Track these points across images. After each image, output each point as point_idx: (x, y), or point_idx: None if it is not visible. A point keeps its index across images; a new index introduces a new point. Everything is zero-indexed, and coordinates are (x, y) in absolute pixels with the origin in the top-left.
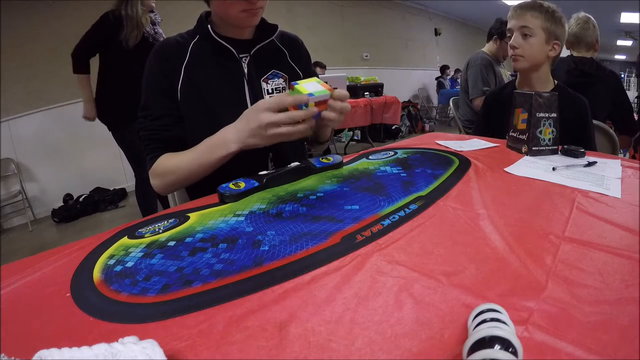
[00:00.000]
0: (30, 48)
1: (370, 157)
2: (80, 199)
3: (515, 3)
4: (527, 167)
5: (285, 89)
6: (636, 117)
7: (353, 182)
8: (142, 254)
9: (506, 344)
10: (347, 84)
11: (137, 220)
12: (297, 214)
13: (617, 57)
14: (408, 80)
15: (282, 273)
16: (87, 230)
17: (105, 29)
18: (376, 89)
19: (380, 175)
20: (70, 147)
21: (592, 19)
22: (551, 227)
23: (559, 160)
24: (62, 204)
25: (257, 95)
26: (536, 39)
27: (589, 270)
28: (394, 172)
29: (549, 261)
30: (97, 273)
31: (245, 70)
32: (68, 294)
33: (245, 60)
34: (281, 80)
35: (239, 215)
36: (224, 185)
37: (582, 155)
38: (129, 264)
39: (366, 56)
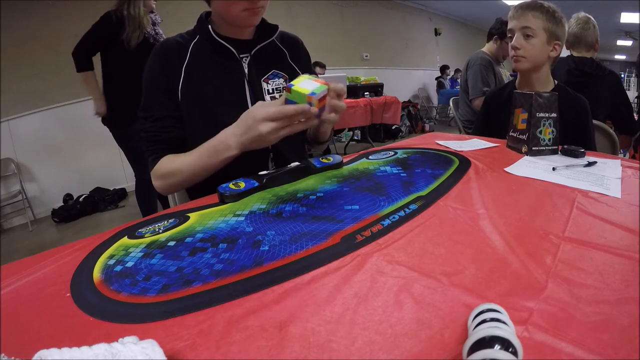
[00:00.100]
0: (30, 48)
1: (370, 157)
2: (80, 199)
3: (516, 3)
4: (527, 167)
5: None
6: (636, 117)
7: (353, 182)
8: (142, 254)
9: (506, 344)
10: (347, 84)
11: (137, 220)
12: (297, 214)
13: (617, 57)
14: (408, 80)
15: (282, 273)
16: (87, 230)
17: (107, 28)
18: (376, 89)
19: (380, 175)
20: (70, 147)
21: (592, 19)
22: (551, 227)
23: (559, 160)
24: (62, 204)
25: (257, 95)
26: (538, 40)
27: (589, 270)
28: (394, 172)
29: (549, 261)
30: (97, 273)
31: (246, 71)
32: (68, 294)
33: (246, 60)
34: (281, 80)
35: (239, 215)
36: (224, 185)
37: (582, 155)
38: (129, 264)
39: (366, 56)
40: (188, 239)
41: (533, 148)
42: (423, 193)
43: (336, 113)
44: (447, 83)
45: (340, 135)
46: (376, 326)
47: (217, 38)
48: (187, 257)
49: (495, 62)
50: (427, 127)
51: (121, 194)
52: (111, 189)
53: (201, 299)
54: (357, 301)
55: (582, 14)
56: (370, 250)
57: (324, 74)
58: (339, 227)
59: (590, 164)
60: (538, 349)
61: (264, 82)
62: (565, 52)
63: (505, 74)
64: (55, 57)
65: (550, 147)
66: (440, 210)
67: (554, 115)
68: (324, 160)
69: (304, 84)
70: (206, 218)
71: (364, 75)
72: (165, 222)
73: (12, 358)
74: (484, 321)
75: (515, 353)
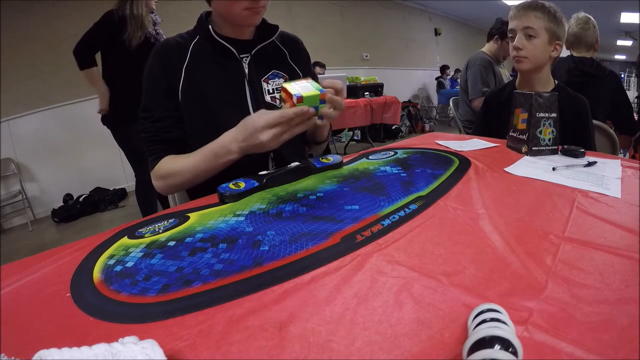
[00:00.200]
0: (30, 48)
1: (370, 157)
2: (80, 199)
3: (516, 3)
4: (527, 167)
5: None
6: (636, 117)
7: (353, 182)
8: (142, 254)
9: (506, 344)
10: (347, 84)
11: (137, 220)
12: (297, 214)
13: (617, 57)
14: (408, 80)
15: (282, 273)
16: (87, 230)
17: (108, 27)
18: (376, 89)
19: (380, 175)
20: (70, 147)
21: (592, 19)
22: (551, 227)
23: (559, 160)
24: (62, 204)
25: (257, 96)
26: (540, 40)
27: (589, 270)
28: (394, 172)
29: (549, 261)
30: (97, 273)
31: (246, 71)
32: (68, 294)
33: (246, 60)
34: (281, 80)
35: (239, 215)
36: (224, 185)
37: (582, 155)
38: (129, 264)
39: (366, 56)
40: (188, 239)
41: (533, 148)
42: (423, 193)
43: (335, 109)
44: (447, 83)
45: (340, 135)
46: (376, 326)
47: (217, 38)
48: (187, 257)
49: (495, 62)
50: (427, 127)
51: (121, 194)
52: (111, 189)
53: (201, 299)
54: (357, 301)
55: (582, 14)
56: (370, 250)
57: (323, 73)
58: (339, 227)
59: (590, 164)
60: (538, 349)
61: (264, 82)
62: (565, 52)
63: (505, 74)
64: (55, 57)
65: (550, 147)
66: (440, 210)
67: (554, 115)
68: (324, 160)
69: (300, 86)
70: (206, 218)
71: (364, 75)
72: (165, 222)
73: (12, 358)
74: (484, 321)
75: (515, 353)
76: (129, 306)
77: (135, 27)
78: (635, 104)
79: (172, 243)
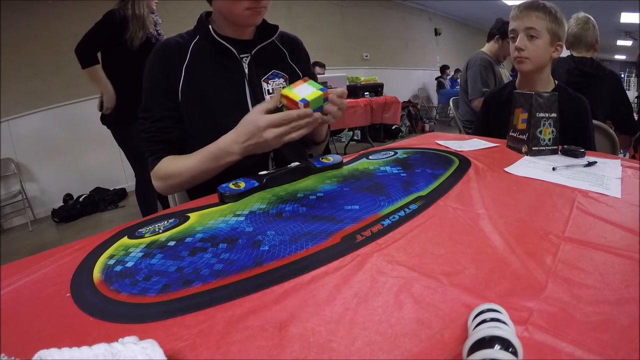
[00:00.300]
0: (30, 48)
1: (370, 157)
2: (80, 199)
3: (516, 3)
4: (527, 167)
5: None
6: (636, 117)
7: (353, 182)
8: (142, 254)
9: (506, 344)
10: (347, 84)
11: (137, 220)
12: (297, 214)
13: (617, 57)
14: (408, 80)
15: (282, 273)
16: (87, 230)
17: (110, 27)
18: (376, 89)
19: (380, 175)
20: (70, 147)
21: (592, 19)
22: (551, 227)
23: (559, 160)
24: (62, 204)
25: (257, 96)
26: (542, 41)
27: (589, 270)
28: (394, 172)
29: (549, 261)
30: (97, 273)
31: (246, 71)
32: (68, 294)
33: (246, 60)
34: (281, 80)
35: (239, 215)
36: (224, 185)
37: (582, 155)
38: (129, 264)
39: (366, 56)
40: (188, 239)
41: (533, 148)
42: (423, 193)
43: (339, 109)
44: (447, 83)
45: (340, 135)
46: (376, 326)
47: (217, 38)
48: (187, 257)
49: (495, 62)
50: (427, 127)
51: (121, 194)
52: (111, 189)
53: (201, 299)
54: (357, 301)
55: (581, 14)
56: (370, 250)
57: (323, 73)
58: (339, 227)
59: (590, 164)
60: (538, 349)
61: (264, 82)
62: (565, 52)
63: (505, 73)
64: (55, 57)
65: (550, 147)
66: (440, 210)
67: (554, 115)
68: (324, 160)
69: (303, 89)
70: (206, 218)
71: (364, 75)
72: (165, 222)
73: (12, 358)
74: (484, 321)
75: (515, 353)
76: (129, 306)
77: (137, 27)
78: (635, 104)
79: (172, 243)
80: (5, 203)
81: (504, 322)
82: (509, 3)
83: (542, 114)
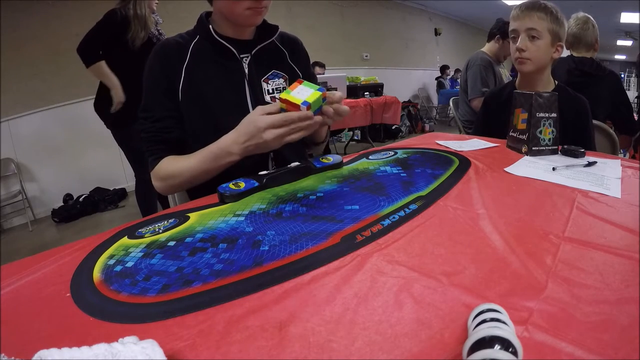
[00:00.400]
0: (30, 48)
1: (370, 157)
2: (80, 199)
3: (516, 3)
4: (527, 167)
5: (285, 89)
6: (636, 117)
7: (353, 182)
8: (142, 254)
9: (506, 344)
10: (347, 84)
11: (137, 220)
12: (297, 214)
13: (617, 57)
14: (408, 80)
15: (282, 273)
16: (87, 230)
17: (112, 27)
18: (376, 89)
19: (380, 175)
20: (70, 147)
21: (592, 18)
22: (551, 227)
23: (559, 160)
24: (62, 204)
25: (257, 96)
26: (543, 42)
27: (589, 270)
28: (394, 172)
29: (549, 261)
30: (97, 273)
31: (246, 71)
32: (68, 294)
33: (246, 60)
34: (281, 80)
35: (239, 215)
36: (224, 185)
37: (582, 155)
38: (129, 264)
39: (366, 56)
40: (188, 239)
41: (533, 148)
42: (423, 193)
43: (340, 115)
44: (447, 83)
45: (340, 135)
46: (376, 326)
47: (217, 38)
48: (187, 257)
49: (495, 62)
50: (427, 127)
51: (121, 194)
52: (111, 189)
53: (201, 299)
54: (357, 301)
55: (581, 13)
56: (370, 250)
57: (323, 73)
58: (339, 227)
59: (590, 164)
60: (538, 349)
61: (264, 82)
62: (565, 52)
63: (505, 73)
64: (55, 57)
65: (550, 147)
66: (440, 210)
67: (554, 115)
68: (324, 160)
69: (302, 92)
70: (206, 218)
71: (364, 75)
72: (165, 222)
73: (12, 358)
74: (484, 321)
75: (515, 353)
76: (129, 306)
77: (139, 27)
78: (635, 104)
79: (172, 243)
80: (5, 203)
81: (504, 322)
82: (509, 3)
83: (542, 114)
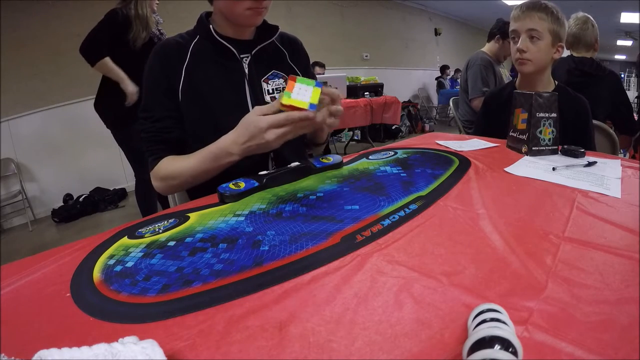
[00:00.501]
0: (30, 48)
1: (370, 157)
2: (80, 199)
3: (516, 3)
4: (527, 167)
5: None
6: (636, 117)
7: (353, 182)
8: (142, 254)
9: (506, 344)
10: (347, 84)
11: (137, 220)
12: (297, 214)
13: (617, 57)
14: (408, 80)
15: (282, 273)
16: (87, 230)
17: (113, 27)
18: (376, 89)
19: (380, 175)
20: (70, 147)
21: (591, 18)
22: (551, 227)
23: (559, 160)
24: (62, 204)
25: (257, 96)
26: (544, 42)
27: (589, 270)
28: (394, 172)
29: (549, 261)
30: (97, 273)
31: (246, 71)
32: (68, 294)
33: (246, 60)
34: (281, 80)
35: (239, 215)
36: (224, 185)
37: (582, 155)
38: (129, 264)
39: (366, 56)
40: (188, 239)
41: (533, 148)
42: (423, 193)
43: (335, 117)
44: (447, 83)
45: (340, 135)
46: (376, 326)
47: (217, 38)
48: (187, 257)
49: (495, 62)
50: (427, 127)
51: (121, 194)
52: (111, 189)
53: (201, 299)
54: (357, 301)
55: (580, 13)
56: (370, 250)
57: (323, 73)
58: (339, 227)
59: (590, 164)
60: (538, 349)
61: (264, 83)
62: (565, 52)
63: (505, 74)
64: (55, 57)
65: (550, 147)
66: (440, 210)
67: (554, 115)
68: (324, 160)
69: (303, 91)
70: (206, 218)
71: (364, 75)
72: (165, 222)
73: (12, 358)
74: (484, 321)
75: (515, 353)
76: (129, 306)
77: (141, 27)
78: (635, 104)
79: (172, 243)
80: (5, 203)
81: (504, 322)
82: (509, 3)
83: (542, 114)
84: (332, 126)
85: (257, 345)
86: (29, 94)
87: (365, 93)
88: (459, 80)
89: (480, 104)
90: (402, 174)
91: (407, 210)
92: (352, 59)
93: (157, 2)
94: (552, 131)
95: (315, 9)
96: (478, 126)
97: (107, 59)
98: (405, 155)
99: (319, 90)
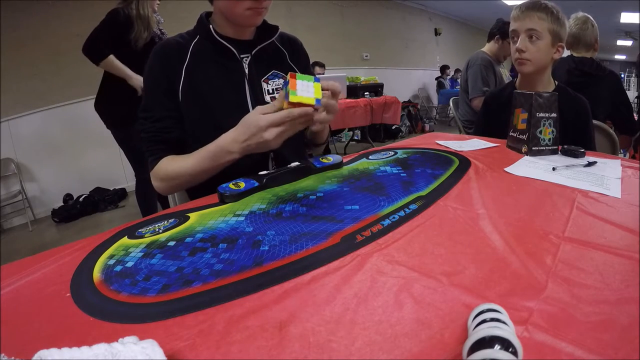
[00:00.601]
0: (30, 48)
1: (370, 157)
2: (80, 199)
3: (516, 3)
4: (527, 167)
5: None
6: (636, 117)
7: (353, 182)
8: (142, 254)
9: (506, 344)
10: (347, 84)
11: (137, 220)
12: (297, 214)
13: (617, 57)
14: (408, 80)
15: (282, 273)
16: (87, 230)
17: (115, 26)
18: (376, 89)
19: (380, 175)
20: (70, 147)
21: (591, 18)
22: (551, 227)
23: (559, 160)
24: (62, 204)
25: (257, 96)
26: (543, 42)
27: (589, 270)
28: (394, 172)
29: (549, 261)
30: (97, 273)
31: (246, 71)
32: (68, 294)
33: (246, 60)
34: (281, 80)
35: (239, 215)
36: (224, 185)
37: (582, 155)
38: (129, 264)
39: (366, 56)
40: (188, 239)
41: (533, 148)
42: (423, 193)
43: (329, 113)
44: (447, 83)
45: (340, 135)
46: (376, 326)
47: (218, 38)
48: (187, 257)
49: (495, 62)
50: (427, 127)
51: (121, 194)
52: (111, 189)
53: (201, 299)
54: (357, 301)
55: (580, 13)
56: (370, 250)
57: (323, 73)
58: (339, 227)
59: (590, 164)
60: (538, 349)
61: (264, 83)
62: (565, 52)
63: (505, 73)
64: (55, 57)
65: (550, 147)
66: (440, 210)
67: (554, 115)
68: (324, 160)
69: (304, 88)
70: (206, 218)
71: (364, 75)
72: (165, 222)
73: (12, 358)
74: (484, 321)
75: (515, 353)
76: (129, 306)
77: (142, 27)
78: (635, 104)
79: (172, 243)
80: (5, 203)
81: (504, 322)
82: (509, 3)
83: (542, 114)
84: (325, 122)
85: (257, 345)
86: (29, 94)
87: (365, 93)
88: (459, 80)
89: (481, 103)
90: (402, 174)
91: (407, 210)
92: (352, 59)
93: (158, 2)
94: (552, 131)
95: (315, 9)
96: (478, 126)
97: (112, 57)
98: (405, 155)
99: (319, 84)
